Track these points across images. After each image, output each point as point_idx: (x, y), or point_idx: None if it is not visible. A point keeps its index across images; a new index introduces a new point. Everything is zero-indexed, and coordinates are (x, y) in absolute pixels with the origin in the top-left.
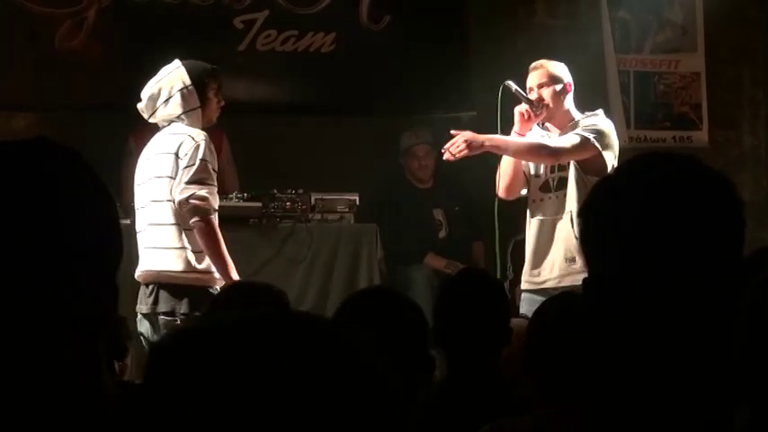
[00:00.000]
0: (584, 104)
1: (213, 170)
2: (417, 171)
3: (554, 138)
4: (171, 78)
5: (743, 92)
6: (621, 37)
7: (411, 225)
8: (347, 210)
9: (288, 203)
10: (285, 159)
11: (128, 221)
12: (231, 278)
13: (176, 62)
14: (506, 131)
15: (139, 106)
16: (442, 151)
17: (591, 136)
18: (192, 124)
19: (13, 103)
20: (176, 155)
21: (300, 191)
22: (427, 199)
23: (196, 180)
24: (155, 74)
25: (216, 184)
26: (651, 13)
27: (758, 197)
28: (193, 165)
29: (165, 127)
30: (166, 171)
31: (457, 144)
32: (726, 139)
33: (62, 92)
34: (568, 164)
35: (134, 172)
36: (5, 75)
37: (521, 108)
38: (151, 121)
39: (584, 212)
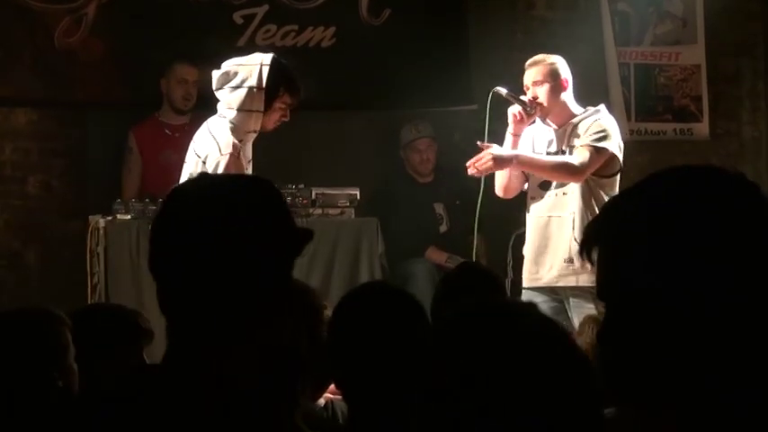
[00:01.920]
0: (585, 97)
1: (238, 166)
2: (418, 165)
3: (575, 153)
4: (251, 69)
5: (743, 84)
6: (622, 29)
7: (412, 219)
8: (348, 204)
9: (288, 198)
10: (286, 154)
11: (128, 217)
12: None
13: (269, 57)
14: (500, 133)
15: (214, 72)
16: (467, 166)
17: (601, 144)
18: (242, 124)
19: (12, 100)
20: (204, 162)
21: (301, 185)
22: (428, 193)
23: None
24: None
25: None
26: (651, 5)
27: None
28: (215, 158)
29: (213, 119)
30: (191, 173)
31: (484, 160)
32: (726, 131)
33: (62, 88)
34: None
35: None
36: (5, 71)
37: (513, 109)
38: (216, 94)
39: (597, 238)
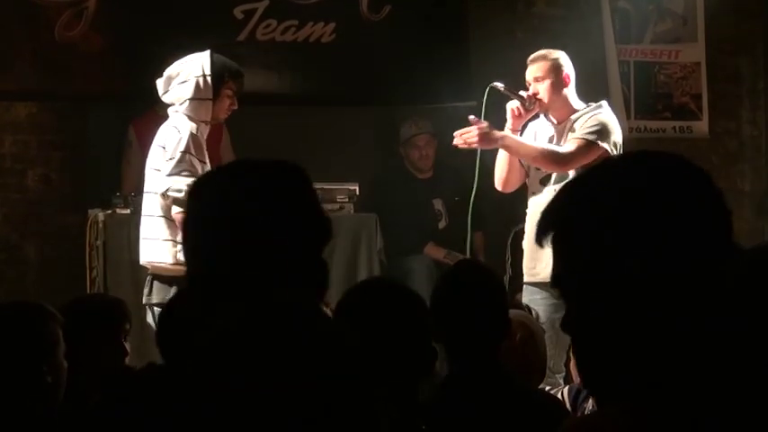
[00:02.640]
0: (585, 95)
1: (200, 161)
2: (418, 161)
3: (565, 144)
4: (194, 64)
5: (743, 82)
6: (622, 27)
7: (411, 215)
8: (347, 199)
9: None
10: (285, 149)
11: (127, 211)
12: None
13: (207, 52)
14: (499, 128)
15: (158, 81)
16: (454, 135)
17: (594, 138)
18: (195, 114)
19: (13, 93)
20: (163, 147)
21: None
22: (427, 189)
23: (176, 172)
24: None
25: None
26: (651, 2)
27: (758, 187)
28: (174, 158)
29: (169, 116)
30: (155, 163)
31: (471, 134)
32: (726, 129)
33: (62, 82)
34: None
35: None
36: (6, 64)
37: (512, 104)
38: (163, 99)
39: (547, 218)
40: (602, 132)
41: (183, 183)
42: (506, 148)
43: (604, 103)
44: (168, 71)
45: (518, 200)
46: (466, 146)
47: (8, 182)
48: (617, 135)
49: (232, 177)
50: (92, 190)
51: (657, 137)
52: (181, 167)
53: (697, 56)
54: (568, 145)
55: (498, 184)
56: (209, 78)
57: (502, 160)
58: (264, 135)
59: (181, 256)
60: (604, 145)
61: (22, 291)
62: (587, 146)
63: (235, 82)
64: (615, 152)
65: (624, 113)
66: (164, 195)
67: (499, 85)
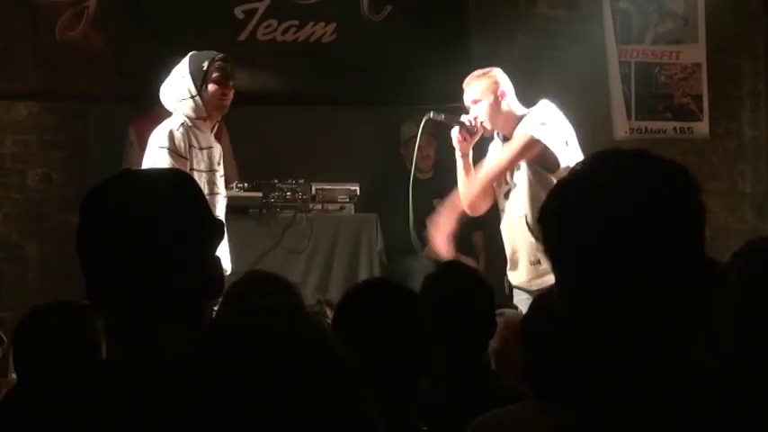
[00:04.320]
0: (586, 95)
1: (178, 155)
2: (418, 161)
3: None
4: (178, 68)
5: (744, 83)
6: (623, 27)
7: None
8: (348, 200)
9: (288, 193)
10: (286, 149)
11: None
12: None
13: (193, 51)
14: (448, 156)
15: (161, 88)
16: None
17: (531, 132)
18: (187, 113)
19: (14, 93)
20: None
21: (301, 181)
22: (427, 189)
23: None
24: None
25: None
26: (652, 3)
27: (758, 188)
28: (152, 152)
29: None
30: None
31: (474, 124)
32: (726, 130)
33: (63, 81)
34: (520, 167)
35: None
36: (6, 64)
37: (455, 133)
38: (169, 108)
39: (541, 220)
40: (542, 127)
41: None
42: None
43: (542, 102)
44: (164, 84)
45: None
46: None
47: (9, 181)
48: (562, 129)
49: (120, 188)
50: None
51: (658, 137)
52: (155, 162)
53: (698, 56)
54: (508, 146)
55: (468, 210)
56: (188, 77)
57: (466, 188)
58: (264, 135)
59: None
60: (542, 140)
61: (22, 290)
62: (524, 142)
63: (216, 69)
64: (560, 146)
65: (625, 114)
66: None
67: (438, 116)
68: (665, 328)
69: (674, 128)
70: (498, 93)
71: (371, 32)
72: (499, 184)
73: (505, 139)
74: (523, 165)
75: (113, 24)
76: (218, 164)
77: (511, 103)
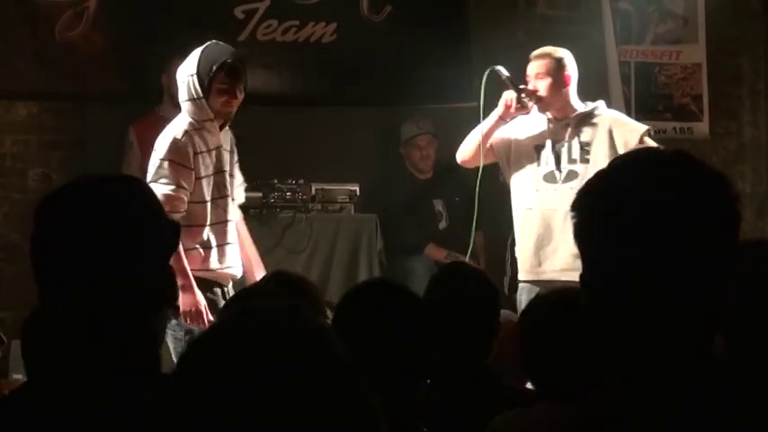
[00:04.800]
0: (585, 95)
1: (184, 166)
2: (418, 161)
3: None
4: (188, 62)
5: (744, 83)
6: (623, 28)
7: (411, 216)
8: (347, 200)
9: (288, 193)
10: (285, 149)
11: None
12: (184, 285)
13: (205, 44)
14: (448, 156)
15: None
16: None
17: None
18: (192, 114)
19: (13, 93)
20: (156, 150)
21: (301, 181)
22: (427, 189)
23: (154, 179)
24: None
25: (180, 183)
26: (652, 3)
27: (759, 188)
28: (154, 164)
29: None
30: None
31: (529, 97)
32: (726, 130)
33: (63, 81)
34: (582, 158)
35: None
36: (6, 64)
37: (508, 95)
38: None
39: (577, 209)
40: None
41: (159, 191)
42: None
43: (601, 102)
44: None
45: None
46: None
47: (8, 181)
48: None
49: (73, 197)
50: None
51: (658, 137)
52: (159, 174)
53: (698, 57)
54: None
55: (460, 158)
56: (195, 78)
57: (474, 141)
58: (264, 135)
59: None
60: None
61: (22, 290)
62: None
63: (225, 74)
64: None
65: (625, 114)
66: None
67: (502, 71)
68: (687, 330)
69: (674, 128)
70: (564, 75)
71: (371, 33)
72: (541, 164)
73: (555, 119)
74: (606, 148)
75: (113, 25)
76: (230, 163)
77: (572, 89)
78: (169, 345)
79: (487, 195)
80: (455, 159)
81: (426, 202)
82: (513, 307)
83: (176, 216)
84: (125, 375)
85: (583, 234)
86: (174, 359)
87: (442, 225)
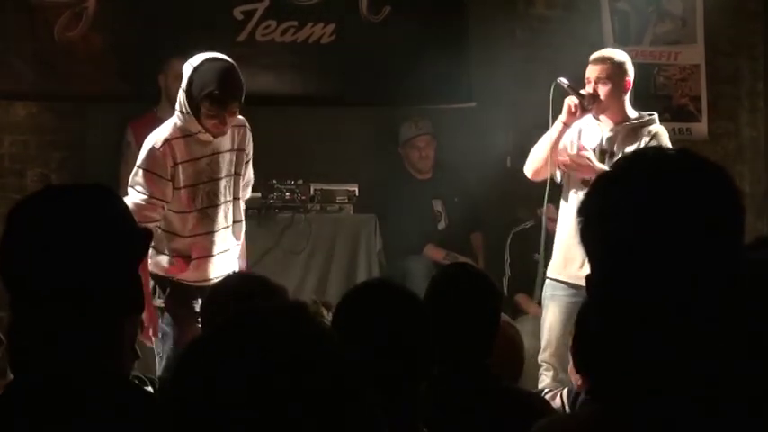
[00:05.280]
0: None
1: (160, 177)
2: (417, 162)
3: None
4: (184, 71)
5: (742, 84)
6: (621, 28)
7: (410, 216)
8: (346, 200)
9: (287, 194)
10: (284, 150)
11: None
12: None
13: (201, 58)
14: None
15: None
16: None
17: None
18: (182, 123)
19: (12, 93)
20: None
21: (300, 181)
22: (426, 190)
23: (131, 184)
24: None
25: (153, 193)
26: (651, 4)
27: (757, 189)
28: (134, 170)
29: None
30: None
31: (591, 101)
32: (725, 131)
33: (62, 82)
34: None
35: (132, 163)
36: (5, 64)
37: (570, 101)
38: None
39: (583, 211)
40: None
41: (131, 199)
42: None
43: (656, 115)
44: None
45: (517, 201)
46: (571, 168)
47: (7, 182)
48: None
49: (40, 206)
50: None
51: None
52: (134, 182)
53: (696, 57)
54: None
55: (530, 172)
56: (185, 95)
57: (543, 149)
58: (263, 136)
59: (158, 263)
60: None
61: None
62: None
63: (210, 104)
64: None
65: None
66: None
67: (564, 82)
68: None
69: (673, 129)
70: (626, 80)
71: (370, 33)
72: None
73: (610, 125)
74: None
75: (112, 25)
76: (236, 163)
77: (628, 96)
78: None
79: (486, 196)
80: (454, 159)
81: (425, 203)
82: (513, 307)
83: (150, 225)
84: (95, 379)
85: (584, 237)
86: (158, 358)
87: (441, 225)
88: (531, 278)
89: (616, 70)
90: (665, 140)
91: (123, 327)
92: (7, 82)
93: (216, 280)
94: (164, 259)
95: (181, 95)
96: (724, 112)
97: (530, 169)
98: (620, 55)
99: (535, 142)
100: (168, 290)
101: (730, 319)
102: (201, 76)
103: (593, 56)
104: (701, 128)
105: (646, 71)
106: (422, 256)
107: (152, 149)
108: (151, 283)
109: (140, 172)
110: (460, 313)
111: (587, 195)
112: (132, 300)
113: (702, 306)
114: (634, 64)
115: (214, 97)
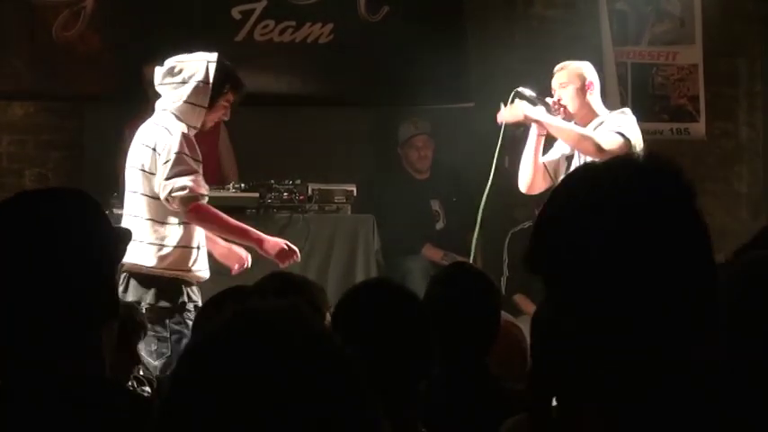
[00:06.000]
0: None
1: (195, 159)
2: (416, 162)
3: (601, 134)
4: (197, 65)
5: (740, 84)
6: (619, 28)
7: (408, 216)
8: (344, 200)
9: (285, 194)
10: (283, 150)
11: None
12: (258, 239)
13: (214, 55)
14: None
15: (157, 69)
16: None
17: (627, 134)
18: (185, 117)
19: (10, 93)
20: (154, 150)
21: (298, 181)
22: (424, 190)
23: (174, 174)
24: (152, 65)
25: (199, 171)
26: (649, 4)
27: (755, 189)
28: (170, 160)
29: (154, 115)
30: (142, 164)
31: (556, 108)
32: (723, 131)
33: (60, 82)
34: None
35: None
36: (3, 64)
37: (517, 110)
38: (157, 89)
39: (536, 227)
40: (631, 132)
41: (183, 181)
42: (548, 126)
43: (627, 110)
44: (170, 62)
45: (515, 202)
46: (506, 119)
47: (5, 182)
48: (639, 141)
49: (14, 209)
50: (89, 190)
51: (654, 138)
52: (178, 168)
53: (694, 57)
54: (607, 135)
55: (523, 187)
56: (209, 87)
57: (528, 162)
58: (262, 136)
59: (166, 259)
60: (633, 141)
61: None
62: (623, 138)
63: (235, 93)
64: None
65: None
66: (167, 200)
67: (525, 92)
68: (665, 330)
69: (671, 129)
70: (586, 82)
71: (369, 33)
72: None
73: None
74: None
75: (110, 25)
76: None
77: (595, 97)
78: (150, 346)
79: (486, 197)
80: (452, 159)
81: (423, 203)
82: (511, 307)
83: (203, 200)
84: (71, 385)
85: (544, 249)
86: (157, 360)
87: (439, 225)
88: (529, 278)
89: (573, 74)
90: (615, 124)
91: (101, 330)
92: (5, 81)
93: (201, 272)
94: (178, 260)
95: (200, 87)
96: (722, 113)
97: (523, 185)
98: (579, 63)
99: None
100: (153, 289)
101: (707, 331)
102: (225, 68)
103: (555, 67)
104: (699, 128)
105: (644, 71)
106: (420, 255)
107: (183, 135)
108: (124, 276)
109: (182, 156)
110: (460, 313)
111: (543, 207)
112: (109, 305)
113: (672, 322)
114: (633, 64)
115: (242, 86)
